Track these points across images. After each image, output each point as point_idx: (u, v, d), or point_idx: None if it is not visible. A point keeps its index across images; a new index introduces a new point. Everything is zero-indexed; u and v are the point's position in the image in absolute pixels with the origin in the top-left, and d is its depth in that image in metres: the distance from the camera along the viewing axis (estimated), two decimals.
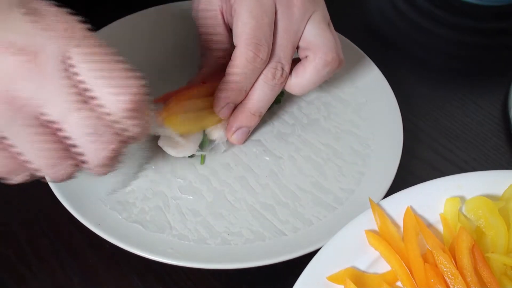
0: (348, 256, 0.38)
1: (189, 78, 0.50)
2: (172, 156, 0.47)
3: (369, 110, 0.53)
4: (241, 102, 0.47)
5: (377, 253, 0.38)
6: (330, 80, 0.55)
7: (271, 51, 0.45)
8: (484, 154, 0.54)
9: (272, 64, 0.46)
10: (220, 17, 0.48)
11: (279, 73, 0.46)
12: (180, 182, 0.47)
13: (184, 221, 0.45)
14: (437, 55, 0.65)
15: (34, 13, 0.32)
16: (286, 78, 0.47)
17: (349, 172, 0.49)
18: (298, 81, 0.48)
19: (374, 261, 0.38)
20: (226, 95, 0.46)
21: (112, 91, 0.33)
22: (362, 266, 0.38)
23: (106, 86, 0.33)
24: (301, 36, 0.47)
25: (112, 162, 0.36)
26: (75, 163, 0.35)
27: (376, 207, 0.40)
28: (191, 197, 0.46)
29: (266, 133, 0.51)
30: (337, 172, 0.49)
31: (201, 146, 0.48)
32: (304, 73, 0.47)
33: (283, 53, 0.46)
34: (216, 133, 0.48)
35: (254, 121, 0.48)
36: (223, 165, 0.48)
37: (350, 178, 0.48)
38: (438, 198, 0.40)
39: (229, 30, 0.48)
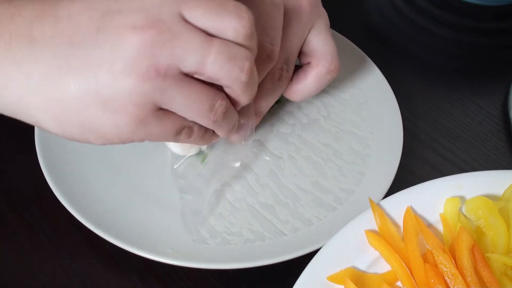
0: (348, 256, 0.38)
1: None
2: (172, 156, 0.47)
3: (369, 110, 0.53)
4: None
5: (377, 253, 0.38)
6: None
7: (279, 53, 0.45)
8: (484, 154, 0.54)
9: (279, 65, 0.46)
10: None
11: (284, 74, 0.46)
12: (180, 182, 0.47)
13: (184, 221, 0.45)
14: (437, 55, 0.65)
15: None
16: (288, 81, 0.47)
17: (349, 172, 0.49)
18: (298, 87, 0.48)
19: (374, 261, 0.38)
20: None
21: (233, 20, 0.36)
22: (362, 266, 0.38)
23: (227, 18, 0.36)
24: (304, 41, 0.47)
25: (252, 85, 0.39)
26: (226, 100, 0.38)
27: (376, 207, 0.40)
28: (191, 197, 0.46)
29: (266, 133, 0.51)
30: (337, 172, 0.49)
31: None
32: (305, 79, 0.47)
33: (291, 55, 0.46)
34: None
35: (257, 119, 0.48)
36: (223, 165, 0.48)
37: (350, 178, 0.48)
38: (438, 198, 0.40)
39: None
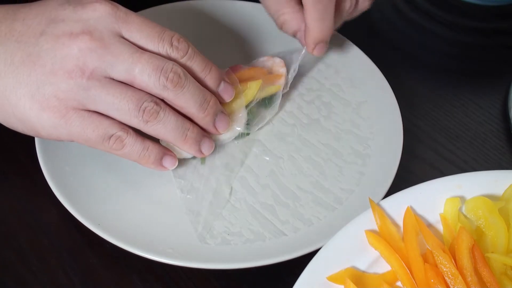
0: (348, 256, 0.38)
1: None
2: None
3: (369, 110, 0.53)
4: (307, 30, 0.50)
5: (377, 253, 0.38)
6: (330, 80, 0.56)
7: None
8: (484, 154, 0.54)
9: None
10: None
11: None
12: (180, 182, 0.47)
13: (184, 221, 0.45)
14: (437, 55, 0.65)
15: (82, 5, 0.41)
16: None
17: (349, 172, 0.49)
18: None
19: (374, 261, 0.38)
20: (316, 37, 0.50)
21: (166, 45, 0.42)
22: (362, 266, 0.38)
23: (161, 43, 0.42)
24: None
25: (185, 93, 0.42)
26: (155, 101, 0.42)
27: (376, 207, 0.40)
28: (191, 197, 0.46)
29: (266, 133, 0.51)
30: (337, 172, 0.49)
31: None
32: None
33: None
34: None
35: (329, 35, 0.51)
36: (223, 165, 0.48)
37: (350, 178, 0.48)
38: (438, 198, 0.40)
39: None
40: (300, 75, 0.55)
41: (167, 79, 0.41)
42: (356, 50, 0.57)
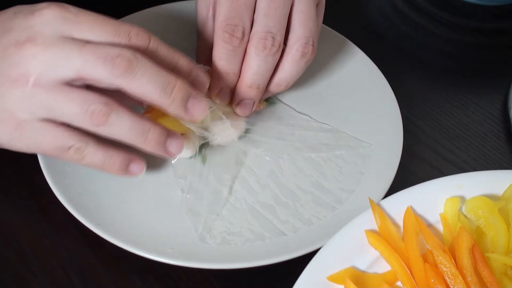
0: (348, 256, 0.38)
1: None
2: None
3: (369, 110, 0.53)
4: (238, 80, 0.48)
5: (377, 253, 0.38)
6: (329, 79, 0.56)
7: (258, 23, 0.45)
8: (484, 154, 0.54)
9: (261, 35, 0.45)
10: (211, 11, 0.48)
11: (269, 42, 0.45)
12: (180, 182, 0.47)
13: (184, 221, 0.45)
14: (437, 55, 0.65)
15: (31, 12, 0.39)
16: (280, 48, 0.46)
17: (349, 172, 0.49)
18: (278, 75, 0.48)
19: (374, 261, 0.38)
20: (216, 81, 0.47)
21: (116, 37, 0.39)
22: (362, 266, 0.38)
23: (111, 34, 0.39)
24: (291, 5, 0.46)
25: (139, 77, 0.39)
26: (104, 102, 0.38)
27: (376, 207, 0.40)
28: (191, 197, 0.46)
29: (266, 133, 0.51)
30: (337, 172, 0.49)
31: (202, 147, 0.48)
32: (284, 63, 0.47)
33: (272, 22, 0.45)
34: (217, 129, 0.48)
35: (252, 94, 0.48)
36: (224, 165, 0.48)
37: (350, 178, 0.48)
38: (438, 198, 0.40)
39: None
40: None
41: (114, 65, 0.38)
42: (356, 50, 0.57)
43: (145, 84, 0.39)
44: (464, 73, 0.63)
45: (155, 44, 0.41)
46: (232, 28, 0.45)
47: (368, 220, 0.40)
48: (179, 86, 0.40)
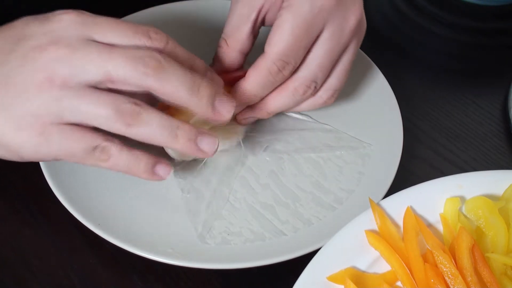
0: (348, 256, 0.38)
1: None
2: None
3: (369, 110, 0.53)
4: (259, 103, 0.47)
5: (377, 253, 0.38)
6: None
7: (308, 69, 0.45)
8: (484, 154, 0.54)
9: (307, 82, 0.46)
10: (255, 14, 0.46)
11: (310, 91, 0.46)
12: (181, 182, 0.47)
13: (184, 221, 0.45)
14: (437, 55, 0.65)
15: (47, 19, 0.39)
16: (309, 98, 0.48)
17: (349, 172, 0.49)
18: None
19: (374, 261, 0.38)
20: (241, 97, 0.46)
21: (142, 38, 0.39)
22: (362, 266, 0.38)
23: (136, 36, 0.39)
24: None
25: (169, 77, 0.39)
26: (133, 102, 0.38)
27: (376, 207, 0.40)
28: (191, 197, 0.46)
29: (266, 133, 0.51)
30: (337, 172, 0.49)
31: None
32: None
33: (321, 73, 0.46)
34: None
35: (266, 117, 0.49)
36: (224, 165, 0.48)
37: (350, 178, 0.48)
38: (438, 198, 0.40)
39: (255, 31, 0.47)
40: None
41: (144, 65, 0.38)
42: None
43: (175, 82, 0.39)
44: (464, 73, 0.63)
45: (173, 44, 0.40)
46: (284, 65, 0.44)
47: (368, 220, 0.39)
48: (205, 84, 0.40)
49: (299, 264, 0.39)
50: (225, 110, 0.41)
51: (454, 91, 0.60)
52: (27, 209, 0.47)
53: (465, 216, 0.40)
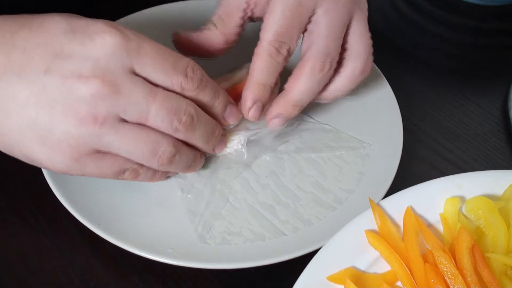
0: (348, 256, 0.38)
1: None
2: None
3: (369, 110, 0.53)
4: (281, 94, 0.46)
5: (377, 253, 0.38)
6: None
7: (317, 44, 0.45)
8: (484, 154, 0.54)
9: (321, 57, 0.45)
10: (244, 4, 0.46)
11: (327, 67, 0.45)
12: (181, 182, 0.47)
13: (184, 221, 0.45)
14: (437, 55, 0.65)
15: (89, 36, 0.38)
16: (331, 75, 0.46)
17: (349, 172, 0.49)
18: (328, 88, 0.47)
19: (374, 261, 0.38)
20: (253, 92, 0.45)
21: (180, 78, 0.40)
22: (362, 266, 0.38)
23: (175, 76, 0.40)
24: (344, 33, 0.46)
25: (197, 131, 0.42)
26: (172, 144, 0.41)
27: (376, 207, 0.40)
28: (191, 197, 0.46)
29: (266, 133, 0.51)
30: (337, 172, 0.49)
31: None
32: (336, 79, 0.47)
33: (332, 44, 0.45)
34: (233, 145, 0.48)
35: (294, 113, 0.47)
36: (224, 165, 0.48)
37: (350, 178, 0.48)
38: (438, 198, 0.40)
39: (244, 22, 0.47)
40: None
41: (180, 122, 0.40)
42: None
43: (198, 137, 0.43)
44: (464, 73, 0.63)
45: (205, 81, 0.42)
46: (280, 45, 0.44)
47: (368, 220, 0.40)
48: (217, 133, 0.44)
49: (299, 264, 0.39)
50: (218, 149, 0.47)
51: (454, 91, 0.60)
52: (27, 209, 0.47)
53: (465, 216, 0.40)
